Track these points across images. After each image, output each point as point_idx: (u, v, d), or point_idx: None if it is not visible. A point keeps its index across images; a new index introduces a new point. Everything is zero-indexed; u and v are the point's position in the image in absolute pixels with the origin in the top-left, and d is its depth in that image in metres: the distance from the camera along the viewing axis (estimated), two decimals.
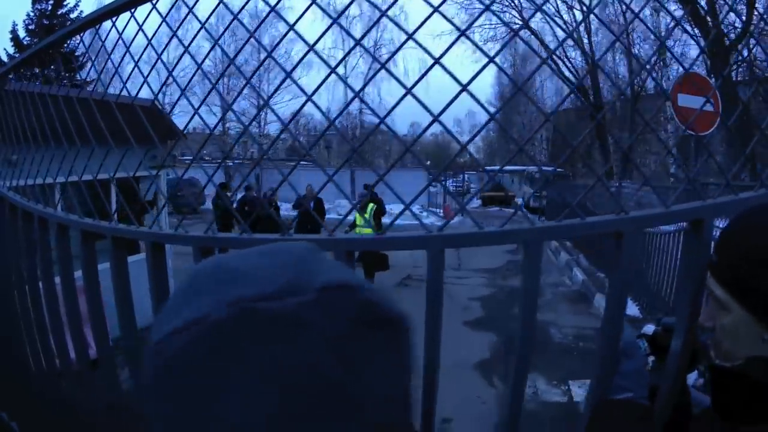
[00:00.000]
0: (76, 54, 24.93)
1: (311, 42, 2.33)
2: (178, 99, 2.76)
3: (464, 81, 2.15)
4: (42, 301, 3.65)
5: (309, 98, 2.38)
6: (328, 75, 2.37)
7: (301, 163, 2.77)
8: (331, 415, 0.64)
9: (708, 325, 1.35)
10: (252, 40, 2.50)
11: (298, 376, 0.63)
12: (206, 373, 0.63)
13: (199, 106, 2.63)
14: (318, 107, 2.44)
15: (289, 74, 2.44)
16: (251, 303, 0.63)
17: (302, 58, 2.45)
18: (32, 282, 3.68)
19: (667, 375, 1.66)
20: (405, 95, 2.16)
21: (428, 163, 40.52)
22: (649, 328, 1.78)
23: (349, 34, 2.46)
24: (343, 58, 2.54)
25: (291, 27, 2.39)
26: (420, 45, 2.22)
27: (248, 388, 0.62)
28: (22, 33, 32.32)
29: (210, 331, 0.63)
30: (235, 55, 2.68)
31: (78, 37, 3.33)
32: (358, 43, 2.33)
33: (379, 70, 2.25)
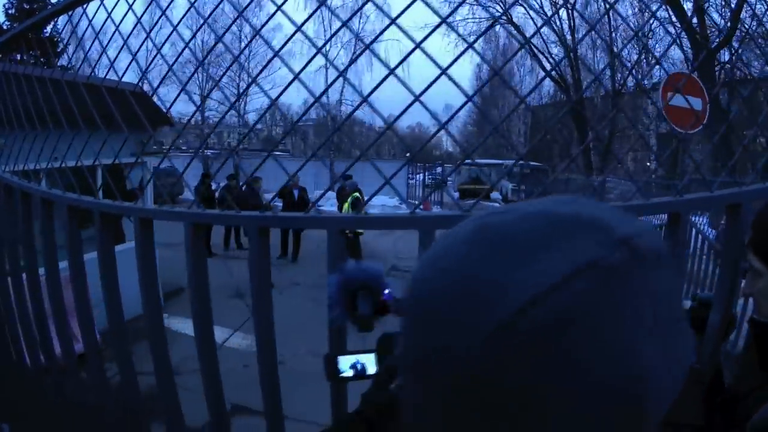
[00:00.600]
0: (56, 40, 24.77)
1: (293, 29, 2.32)
2: (164, 77, 2.73)
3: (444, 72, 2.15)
4: (42, 289, 3.61)
5: (295, 76, 2.37)
6: (315, 55, 2.40)
7: (279, 153, 2.75)
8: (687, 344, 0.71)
9: (747, 291, 1.52)
10: (233, 27, 2.49)
11: (674, 308, 0.69)
12: (606, 322, 0.61)
13: (185, 85, 2.62)
14: (305, 85, 2.45)
15: (276, 53, 2.45)
16: (635, 241, 0.64)
17: (291, 37, 2.46)
18: (32, 269, 3.62)
19: (707, 344, 1.86)
20: (387, 76, 2.20)
21: (407, 155, 40.66)
22: (686, 303, 1.89)
23: (334, 14, 2.46)
24: (331, 37, 2.55)
25: (257, 32, 2.38)
26: (402, 29, 2.22)
27: (649, 326, 0.63)
28: (1, 18, 31.97)
29: (606, 274, 0.62)
30: (211, 13, 2.67)
31: (58, 21, 3.30)
32: (344, 24, 2.32)
33: (364, 50, 2.27)
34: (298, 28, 2.30)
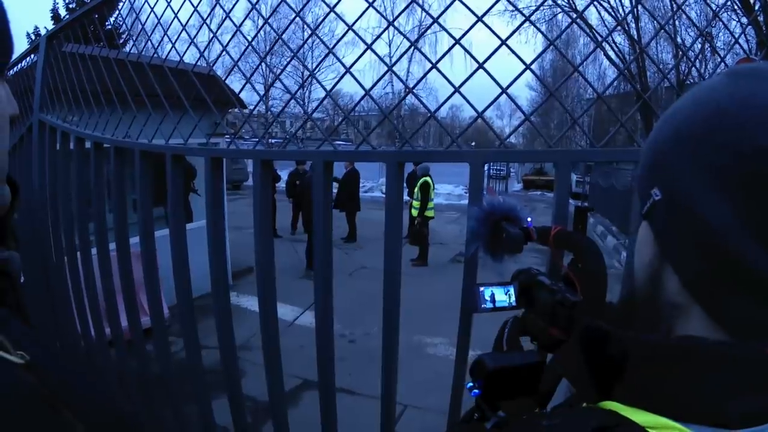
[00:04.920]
0: (120, 32, 25.09)
1: (351, 21, 2.41)
2: (232, 68, 2.85)
3: (508, 63, 2.22)
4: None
5: (348, 70, 2.46)
6: (364, 51, 2.48)
7: (340, 142, 2.87)
8: None
9: None
10: (293, 15, 2.59)
11: None
12: None
13: (252, 74, 2.71)
14: (355, 78, 2.53)
15: (331, 50, 2.54)
16: None
17: (343, 35, 2.56)
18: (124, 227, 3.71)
19: None
20: (431, 69, 2.33)
21: (472, 144, 40.41)
22: None
23: (379, 13, 2.53)
24: (380, 35, 2.61)
25: (331, 9, 2.47)
26: (443, 28, 2.27)
27: None
28: (62, 12, 32.40)
29: None
30: (272, 13, 2.76)
31: (118, 14, 3.45)
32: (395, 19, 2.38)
33: (425, 34, 2.33)
34: (380, 35, 2.37)
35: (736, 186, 0.73)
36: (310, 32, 2.60)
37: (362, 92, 2.60)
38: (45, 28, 30.92)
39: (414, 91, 2.54)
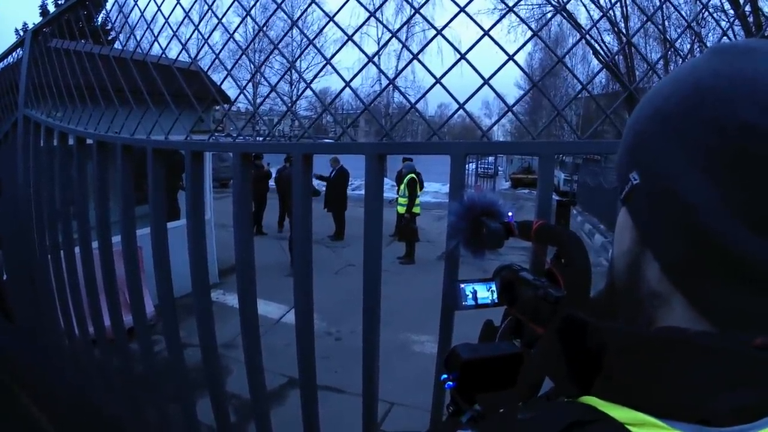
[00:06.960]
0: (107, 29, 25.04)
1: (339, 19, 2.41)
2: (213, 61, 2.84)
3: (496, 62, 2.22)
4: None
5: (328, 62, 2.46)
6: (345, 42, 2.48)
7: (328, 140, 2.88)
8: None
9: None
10: (283, 15, 2.59)
11: None
12: None
13: (232, 67, 2.71)
14: (335, 69, 2.53)
15: (311, 41, 2.53)
16: None
17: (323, 28, 2.56)
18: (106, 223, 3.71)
19: None
20: (411, 61, 2.31)
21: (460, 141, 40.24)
22: None
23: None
24: (361, 26, 2.61)
25: (313, 1, 2.46)
26: (470, 17, 2.27)
27: None
28: (51, 8, 32.30)
29: None
30: (253, 5, 2.76)
31: (104, 10, 3.45)
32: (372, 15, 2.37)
33: (405, 24, 2.33)
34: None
35: (719, 164, 0.72)
36: (300, 30, 2.60)
37: (352, 92, 2.60)
38: (33, 24, 30.85)
39: (403, 89, 2.53)
